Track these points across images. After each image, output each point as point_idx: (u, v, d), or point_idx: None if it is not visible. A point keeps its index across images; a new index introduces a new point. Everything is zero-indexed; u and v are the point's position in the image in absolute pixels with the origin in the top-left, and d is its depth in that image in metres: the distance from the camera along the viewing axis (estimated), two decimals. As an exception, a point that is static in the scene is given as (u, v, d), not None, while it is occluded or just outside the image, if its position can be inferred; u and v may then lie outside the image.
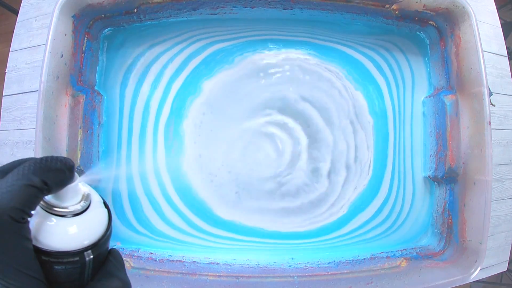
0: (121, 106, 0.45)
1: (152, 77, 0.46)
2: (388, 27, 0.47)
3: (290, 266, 0.43)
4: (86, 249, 0.15)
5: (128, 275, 0.41)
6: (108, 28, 0.45)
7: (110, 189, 0.45)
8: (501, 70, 0.54)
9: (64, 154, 0.39)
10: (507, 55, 0.54)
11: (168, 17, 0.45)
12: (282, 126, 0.45)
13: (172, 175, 0.44)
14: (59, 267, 0.14)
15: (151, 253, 0.44)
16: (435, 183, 0.47)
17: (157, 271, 0.41)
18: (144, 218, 0.45)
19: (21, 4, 0.53)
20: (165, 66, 0.46)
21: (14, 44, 0.52)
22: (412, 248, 0.46)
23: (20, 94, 0.51)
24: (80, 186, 0.16)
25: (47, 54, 0.36)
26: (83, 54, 0.42)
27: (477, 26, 0.39)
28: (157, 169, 0.44)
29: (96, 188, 0.46)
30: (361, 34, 0.47)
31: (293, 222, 0.45)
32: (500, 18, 0.56)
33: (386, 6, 0.43)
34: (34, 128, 0.36)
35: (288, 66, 0.46)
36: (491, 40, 0.54)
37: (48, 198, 0.15)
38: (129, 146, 0.45)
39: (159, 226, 0.44)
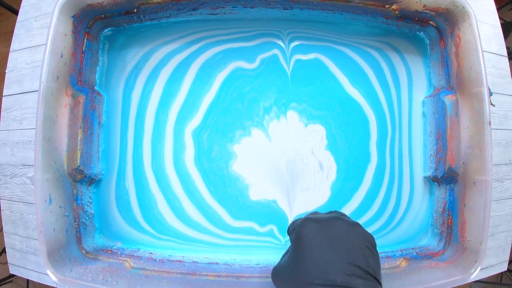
0: (126, 106, 0.45)
1: (164, 79, 0.45)
2: (388, 27, 0.47)
3: (290, 266, 0.43)
4: None
5: (128, 275, 0.41)
6: (108, 28, 0.45)
7: (113, 187, 0.45)
8: (501, 70, 0.54)
9: (64, 154, 0.39)
10: (507, 55, 0.54)
11: (168, 17, 0.45)
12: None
13: (201, 171, 0.45)
14: None
15: (151, 253, 0.44)
16: (435, 183, 0.47)
17: (157, 271, 0.41)
18: (157, 214, 0.45)
19: (21, 4, 0.53)
20: (180, 71, 0.46)
21: (14, 44, 0.52)
22: (412, 248, 0.46)
23: (20, 94, 0.51)
24: None
25: (47, 54, 0.36)
26: (83, 54, 0.42)
27: (477, 26, 0.39)
28: (182, 168, 0.45)
29: (97, 186, 0.46)
30: (361, 34, 0.47)
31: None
32: (500, 18, 0.56)
33: (386, 6, 0.43)
34: (34, 128, 0.36)
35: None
36: (491, 40, 0.54)
37: None
38: (138, 147, 0.45)
39: (173, 223, 0.45)
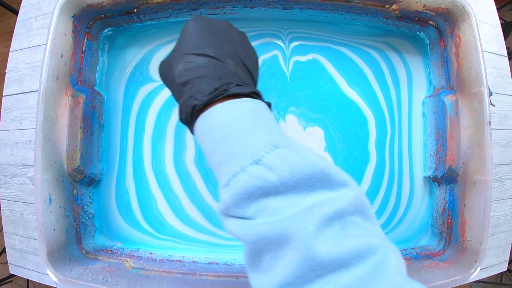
0: (127, 105, 0.46)
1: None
2: (388, 27, 0.47)
3: (290, 266, 0.43)
4: None
5: (128, 275, 0.41)
6: (108, 28, 0.45)
7: (113, 187, 0.45)
8: (501, 70, 0.54)
9: (64, 154, 0.39)
10: (507, 55, 0.54)
11: (168, 17, 0.45)
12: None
13: (201, 171, 0.45)
14: None
15: (151, 253, 0.44)
16: (435, 183, 0.47)
17: (157, 271, 0.41)
18: (157, 214, 0.45)
19: (21, 4, 0.53)
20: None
21: (14, 44, 0.52)
22: (412, 248, 0.46)
23: (20, 94, 0.51)
24: None
25: (47, 54, 0.36)
26: (83, 54, 0.42)
27: (477, 26, 0.39)
28: (182, 167, 0.45)
29: (97, 186, 0.46)
30: (361, 34, 0.47)
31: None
32: (500, 18, 0.56)
33: (386, 6, 0.43)
34: (34, 128, 0.36)
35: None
36: (491, 40, 0.54)
37: None
38: (138, 146, 0.45)
39: (173, 223, 0.45)
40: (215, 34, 0.26)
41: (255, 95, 0.25)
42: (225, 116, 0.22)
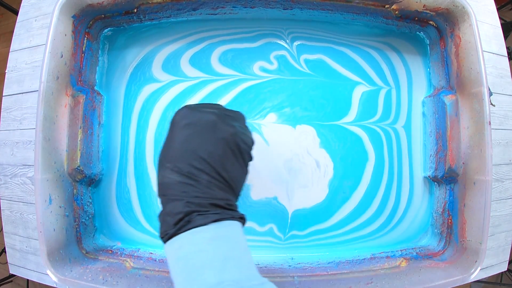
0: (129, 104, 0.46)
1: (171, 78, 0.46)
2: (388, 27, 0.47)
3: (290, 266, 0.43)
4: None
5: (128, 275, 0.41)
6: (108, 28, 0.45)
7: (113, 187, 0.45)
8: (501, 70, 0.54)
9: (64, 154, 0.39)
10: (507, 55, 0.54)
11: (168, 17, 0.45)
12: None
13: None
14: None
15: (151, 253, 0.44)
16: (435, 183, 0.47)
17: (157, 271, 0.41)
18: (157, 212, 0.44)
19: (21, 4, 0.53)
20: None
21: (14, 44, 0.52)
22: (412, 248, 0.46)
23: (20, 94, 0.51)
24: None
25: (47, 54, 0.36)
26: (83, 54, 0.42)
27: (477, 26, 0.39)
28: None
29: (97, 186, 0.46)
30: (361, 34, 0.47)
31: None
32: (500, 18, 0.56)
33: (386, 6, 0.43)
34: (34, 128, 0.36)
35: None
36: (491, 40, 0.54)
37: None
38: (141, 142, 0.45)
39: None
40: (198, 135, 0.26)
41: (226, 208, 0.25)
42: (184, 250, 0.24)
